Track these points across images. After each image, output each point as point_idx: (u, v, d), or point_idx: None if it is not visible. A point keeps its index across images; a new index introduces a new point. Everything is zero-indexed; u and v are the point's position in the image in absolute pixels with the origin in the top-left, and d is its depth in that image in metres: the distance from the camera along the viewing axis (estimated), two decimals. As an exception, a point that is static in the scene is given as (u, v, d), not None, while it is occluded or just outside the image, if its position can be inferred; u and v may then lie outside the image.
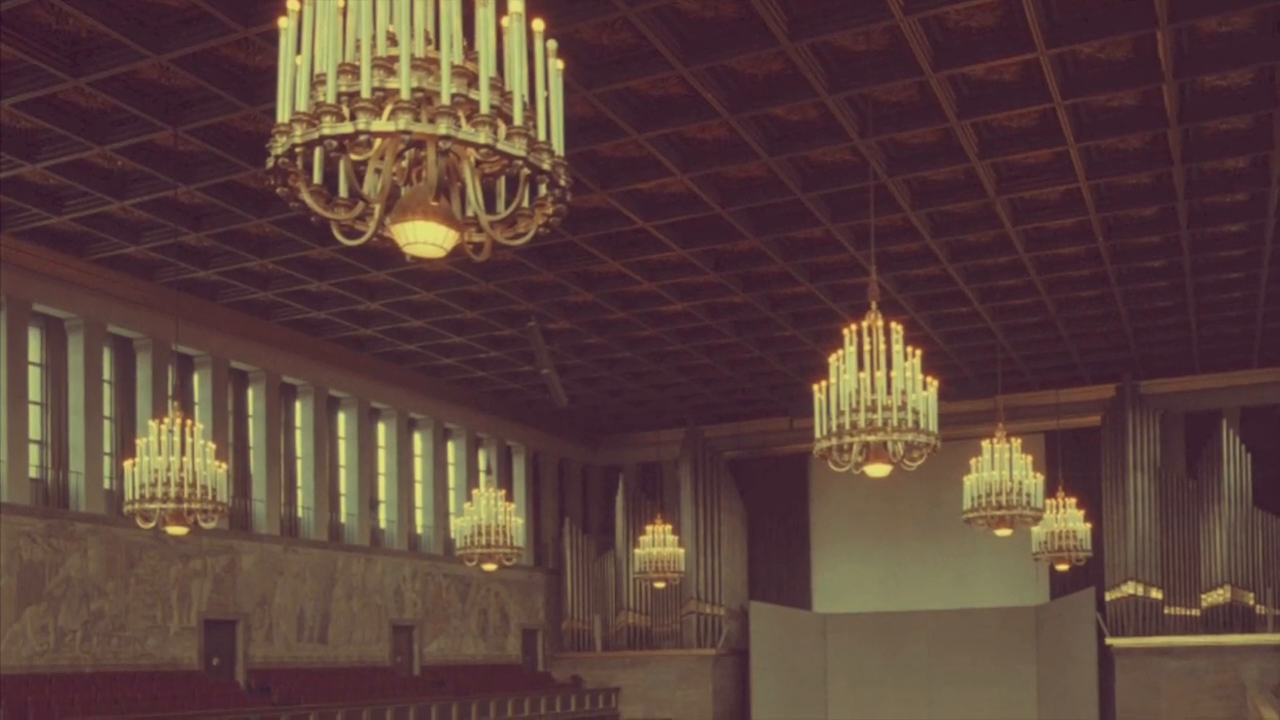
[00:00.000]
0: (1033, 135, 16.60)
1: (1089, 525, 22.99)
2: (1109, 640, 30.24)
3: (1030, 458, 18.25)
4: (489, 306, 24.24)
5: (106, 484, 22.21)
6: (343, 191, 5.63)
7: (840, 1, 13.28)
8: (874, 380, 11.32)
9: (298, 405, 27.33)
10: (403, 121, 5.07)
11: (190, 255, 20.99)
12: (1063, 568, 23.75)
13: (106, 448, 22.48)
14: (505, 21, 5.38)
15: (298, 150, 5.27)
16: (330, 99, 5.18)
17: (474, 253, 5.90)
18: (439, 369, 29.54)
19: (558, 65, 5.64)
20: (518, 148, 5.27)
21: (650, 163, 17.27)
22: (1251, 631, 29.13)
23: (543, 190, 5.61)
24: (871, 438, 11.33)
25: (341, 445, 28.71)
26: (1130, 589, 29.93)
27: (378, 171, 5.43)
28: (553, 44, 5.59)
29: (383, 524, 29.83)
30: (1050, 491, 21.71)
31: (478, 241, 5.80)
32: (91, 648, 21.44)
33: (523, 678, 33.44)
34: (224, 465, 16.22)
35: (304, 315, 24.59)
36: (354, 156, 5.45)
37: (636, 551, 28.26)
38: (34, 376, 21.42)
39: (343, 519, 28.51)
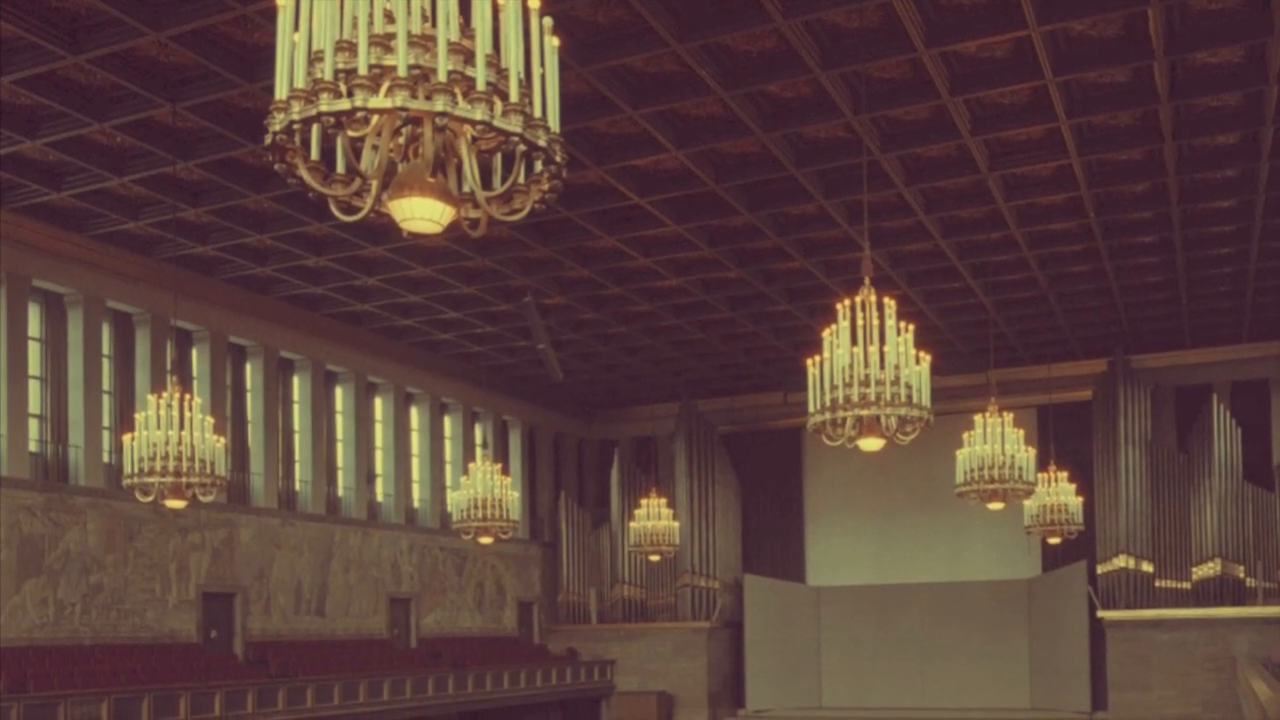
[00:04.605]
0: (1025, 112, 16.69)
1: (1080, 499, 23.04)
2: (1100, 613, 30.46)
3: (1022, 432, 18.29)
4: (485, 282, 24.33)
5: (106, 458, 22.32)
6: (340, 168, 5.69)
7: (833, -22, 13.37)
8: (867, 355, 11.35)
9: (295, 380, 27.43)
10: (400, 98, 5.13)
11: (189, 231, 21.07)
12: (1054, 541, 23.83)
13: (106, 422, 22.59)
14: (501, -1, 5.45)
15: (295, 127, 5.31)
16: (328, 76, 5.23)
17: (470, 228, 5.97)
18: (436, 344, 29.64)
19: (553, 42, 5.69)
20: (514, 124, 5.34)
21: (645, 139, 17.34)
22: (1241, 604, 29.37)
23: (538, 166, 5.65)
24: (865, 412, 11.37)
25: (339, 419, 28.84)
26: (1121, 562, 30.14)
27: (375, 148, 5.49)
28: (548, 21, 5.64)
29: (380, 497, 29.98)
30: (1042, 465, 21.78)
31: (474, 217, 5.87)
32: (91, 620, 21.59)
33: (519, 650, 33.65)
34: (222, 439, 16.32)
35: (302, 290, 24.69)
36: (351, 133, 5.51)
37: (631, 525, 28.37)
38: (34, 351, 21.51)
39: (340, 492, 28.65)
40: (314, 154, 5.52)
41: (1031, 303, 26.43)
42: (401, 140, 5.54)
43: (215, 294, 24.25)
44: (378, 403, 30.12)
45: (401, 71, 5.14)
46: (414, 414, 31.35)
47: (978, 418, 17.95)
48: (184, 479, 15.43)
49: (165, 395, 15.47)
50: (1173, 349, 30.85)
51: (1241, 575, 29.41)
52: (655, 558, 29.41)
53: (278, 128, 5.34)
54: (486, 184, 5.69)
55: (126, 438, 15.70)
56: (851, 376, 11.37)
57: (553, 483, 36.80)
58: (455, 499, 23.50)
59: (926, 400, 11.61)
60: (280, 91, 5.37)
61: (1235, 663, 28.38)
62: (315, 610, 26.90)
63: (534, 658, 33.45)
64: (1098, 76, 15.73)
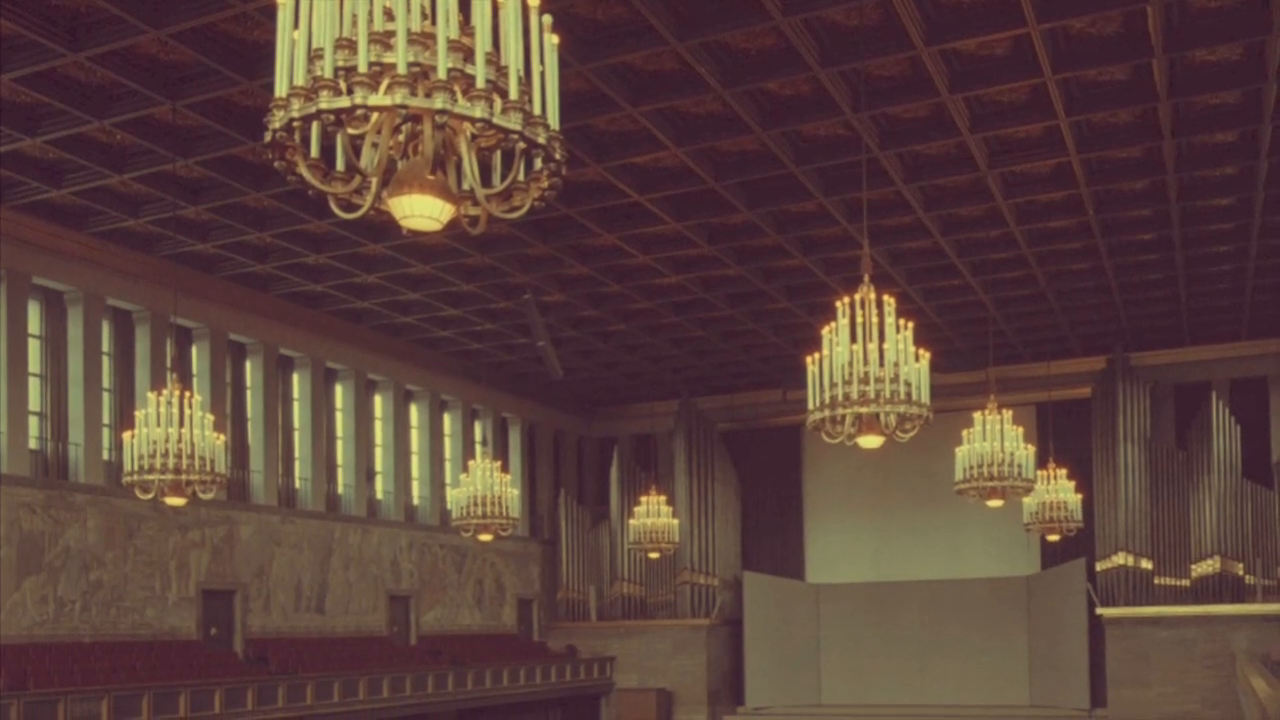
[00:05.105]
0: (1024, 109, 16.69)
1: (1080, 496, 23.05)
2: (1099, 610, 30.46)
3: (1021, 429, 18.31)
4: (485, 279, 24.33)
5: (105, 455, 22.34)
6: (340, 165, 5.69)
7: (832, -24, 13.37)
8: (866, 352, 11.32)
9: (295, 377, 27.44)
10: (399, 96, 5.13)
11: (189, 228, 21.07)
12: (1054, 538, 23.84)
13: (105, 419, 22.61)
14: (500, -3, 5.46)
15: (295, 124, 5.31)
16: (328, 74, 5.24)
17: (470, 226, 5.98)
18: (435, 341, 29.64)
19: (553, 40, 5.70)
20: (513, 122, 5.34)
21: (645, 137, 17.35)
22: (1240, 601, 29.38)
23: (538, 164, 5.66)
24: (864, 409, 11.34)
25: (339, 417, 28.85)
26: (1120, 559, 30.15)
27: (374, 145, 5.49)
28: (548, 19, 5.63)
29: (379, 495, 30.00)
30: (1041, 463, 21.82)
31: (473, 215, 5.87)
32: (90, 617, 21.61)
33: (518, 647, 33.66)
34: (222, 437, 16.31)
35: (301, 288, 24.69)
36: (351, 131, 5.50)
37: (631, 522, 28.37)
38: (34, 349, 21.53)
39: (340, 490, 28.67)
40: (314, 151, 5.53)
41: (1031, 300, 26.43)
42: (401, 138, 5.55)
43: (215, 291, 24.26)
44: (377, 400, 30.14)
45: (401, 69, 5.15)
46: (413, 411, 31.37)
47: (977, 415, 17.96)
48: (184, 476, 15.42)
49: (165, 392, 15.47)
50: (1172, 346, 30.87)
51: (1240, 572, 29.43)
52: (655, 555, 29.40)
53: (278, 125, 5.35)
54: (486, 181, 5.70)
55: (126, 435, 15.70)
56: (851, 374, 11.34)
57: (552, 480, 36.81)
58: (455, 496, 23.47)
59: (926, 397, 11.59)
60: (280, 89, 5.37)
61: (1234, 660, 28.39)
62: (315, 608, 26.92)
63: (533, 655, 33.47)
64: (1097, 74, 15.75)
